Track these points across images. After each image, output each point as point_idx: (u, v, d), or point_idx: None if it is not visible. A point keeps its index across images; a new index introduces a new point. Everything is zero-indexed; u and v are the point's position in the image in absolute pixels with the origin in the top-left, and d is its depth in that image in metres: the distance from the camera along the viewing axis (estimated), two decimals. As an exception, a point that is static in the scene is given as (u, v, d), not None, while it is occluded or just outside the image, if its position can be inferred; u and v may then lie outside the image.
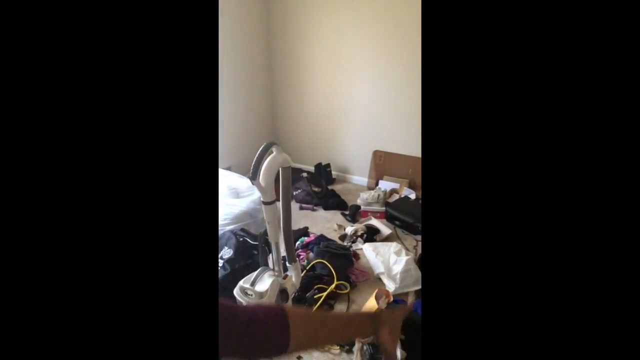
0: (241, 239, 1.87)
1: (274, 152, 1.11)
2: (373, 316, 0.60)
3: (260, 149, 1.06)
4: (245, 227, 2.04)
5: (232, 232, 1.94)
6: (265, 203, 1.11)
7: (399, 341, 0.65)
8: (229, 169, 2.48)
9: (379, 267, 1.91)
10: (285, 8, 2.90)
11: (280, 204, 1.21)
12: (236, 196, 2.32)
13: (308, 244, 2.06)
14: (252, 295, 1.13)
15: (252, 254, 1.79)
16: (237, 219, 2.18)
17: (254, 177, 1.03)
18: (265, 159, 1.07)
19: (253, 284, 1.16)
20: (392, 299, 1.59)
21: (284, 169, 1.16)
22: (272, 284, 1.16)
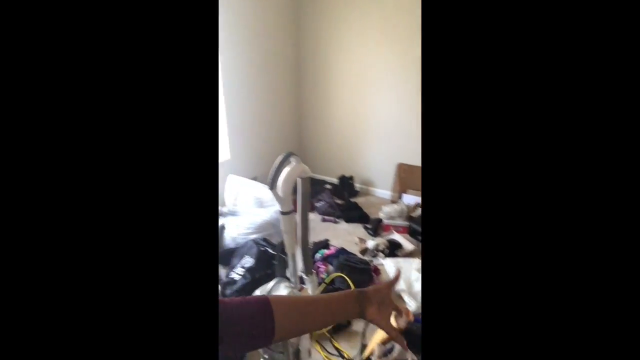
0: (262, 249, 1.90)
1: (293, 163, 1.13)
2: (358, 295, 0.59)
3: (278, 158, 1.08)
4: (268, 237, 2.08)
5: (254, 241, 1.98)
6: (282, 213, 1.12)
7: (392, 316, 0.63)
8: (254, 179, 2.54)
9: (399, 284, 1.85)
10: (313, 16, 2.96)
11: (297, 215, 1.22)
12: (260, 206, 2.37)
13: (328, 256, 2.05)
14: (267, 305, 1.13)
15: (272, 263, 1.81)
16: (260, 228, 2.22)
17: (271, 187, 1.05)
18: (283, 169, 1.09)
19: (268, 293, 1.17)
20: (412, 318, 1.53)
21: (302, 179, 1.17)
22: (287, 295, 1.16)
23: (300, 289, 1.28)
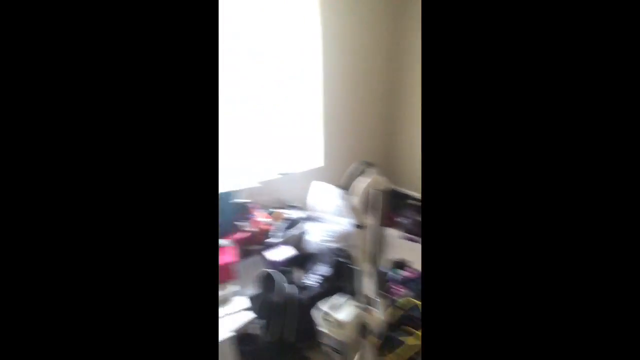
0: (340, 259, 1.86)
1: (370, 173, 1.06)
2: None
3: (352, 167, 1.02)
4: (346, 248, 2.03)
5: (332, 250, 1.95)
6: (356, 226, 1.06)
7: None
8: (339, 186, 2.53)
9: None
10: (407, 32, 2.83)
11: (368, 230, 1.13)
12: (341, 215, 2.34)
13: (408, 280, 1.87)
14: (332, 322, 1.08)
15: (349, 276, 1.74)
16: (339, 237, 2.19)
17: (343, 197, 0.99)
18: (358, 179, 1.02)
19: (333, 309, 1.11)
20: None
21: (376, 191, 1.08)
22: (356, 315, 1.08)
23: (367, 311, 1.18)
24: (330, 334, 1.06)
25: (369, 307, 1.17)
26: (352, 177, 1.00)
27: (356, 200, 1.01)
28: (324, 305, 1.13)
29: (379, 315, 1.19)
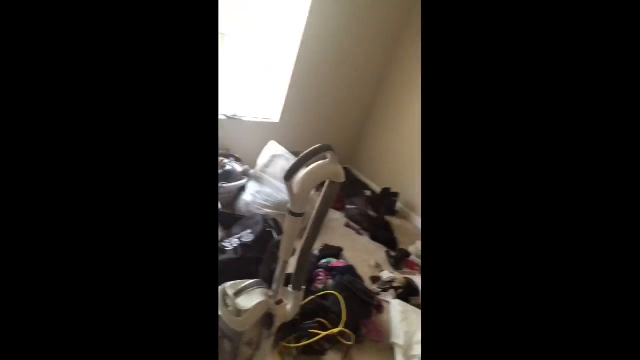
0: (268, 229, 1.71)
1: (328, 159, 0.87)
2: None
3: (311, 148, 0.82)
4: (280, 220, 1.88)
5: (265, 217, 1.79)
6: (290, 213, 0.88)
7: None
8: (295, 154, 2.34)
9: (398, 336, 1.55)
10: None
11: (310, 220, 0.96)
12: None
13: (333, 268, 1.79)
14: (230, 307, 0.92)
15: (272, 250, 1.60)
16: (277, 206, 2.03)
17: (287, 178, 0.80)
18: (312, 163, 0.83)
19: (238, 293, 0.96)
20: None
21: (332, 182, 0.91)
22: (257, 305, 0.94)
23: (278, 302, 1.05)
24: (224, 318, 0.91)
25: (282, 299, 1.03)
26: (308, 158, 0.81)
27: (303, 185, 0.82)
28: (227, 285, 0.97)
29: (290, 309, 1.07)
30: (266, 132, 2.42)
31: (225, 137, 2.26)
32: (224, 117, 2.22)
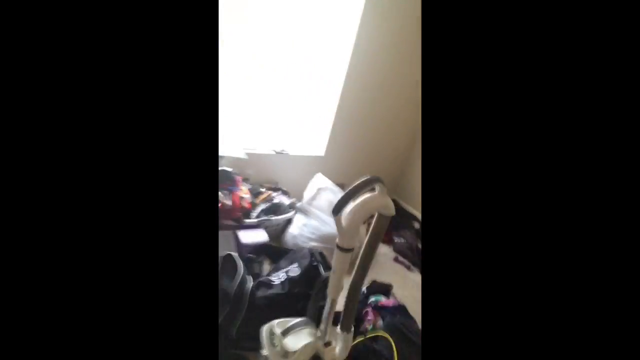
0: (315, 263, 1.67)
1: (377, 191, 0.84)
2: None
3: (360, 181, 0.80)
4: (327, 252, 1.83)
5: (311, 251, 1.76)
6: (339, 248, 0.85)
7: None
8: (341, 185, 2.33)
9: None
10: None
11: (359, 257, 0.92)
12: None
13: (383, 307, 1.68)
14: (277, 347, 0.89)
15: (320, 287, 1.55)
16: (324, 239, 1.99)
17: (336, 212, 0.78)
18: (361, 196, 0.81)
19: (286, 332, 0.92)
20: None
21: (381, 216, 0.87)
22: (305, 347, 0.89)
23: (327, 344, 0.99)
24: (271, 358, 0.87)
25: (330, 340, 0.98)
26: (358, 191, 0.79)
27: (351, 218, 0.80)
28: (275, 322, 0.94)
29: (339, 352, 1.00)
30: (312, 165, 2.46)
31: (273, 171, 2.33)
32: (273, 152, 2.31)
